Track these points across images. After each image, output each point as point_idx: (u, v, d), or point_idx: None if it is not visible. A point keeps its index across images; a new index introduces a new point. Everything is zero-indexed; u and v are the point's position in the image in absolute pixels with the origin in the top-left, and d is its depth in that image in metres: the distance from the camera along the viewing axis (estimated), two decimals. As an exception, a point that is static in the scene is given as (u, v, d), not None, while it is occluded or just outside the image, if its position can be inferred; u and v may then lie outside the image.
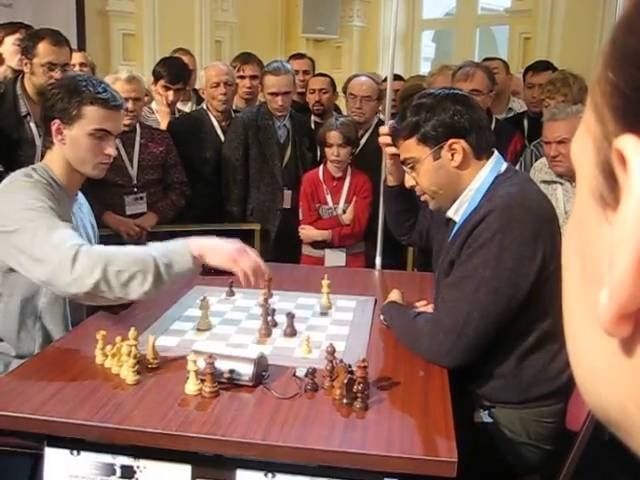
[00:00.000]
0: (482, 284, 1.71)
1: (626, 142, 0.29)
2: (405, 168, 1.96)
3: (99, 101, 2.00)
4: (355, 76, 3.90)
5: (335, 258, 3.36)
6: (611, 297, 0.29)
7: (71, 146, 2.01)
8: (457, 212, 1.90)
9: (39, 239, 1.76)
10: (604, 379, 0.33)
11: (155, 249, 1.79)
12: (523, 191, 1.80)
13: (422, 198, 1.98)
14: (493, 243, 1.70)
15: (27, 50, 2.97)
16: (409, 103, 1.96)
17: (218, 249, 1.85)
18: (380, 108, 3.78)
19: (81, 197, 2.23)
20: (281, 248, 3.45)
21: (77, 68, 3.91)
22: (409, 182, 1.96)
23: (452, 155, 1.84)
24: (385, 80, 3.54)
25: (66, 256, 1.70)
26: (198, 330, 1.98)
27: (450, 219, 1.94)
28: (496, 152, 1.92)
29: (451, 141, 1.83)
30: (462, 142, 1.83)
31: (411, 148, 1.89)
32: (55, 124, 1.99)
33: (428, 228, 2.31)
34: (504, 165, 1.90)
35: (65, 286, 1.72)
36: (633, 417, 0.31)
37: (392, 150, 2.14)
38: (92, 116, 1.99)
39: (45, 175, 2.01)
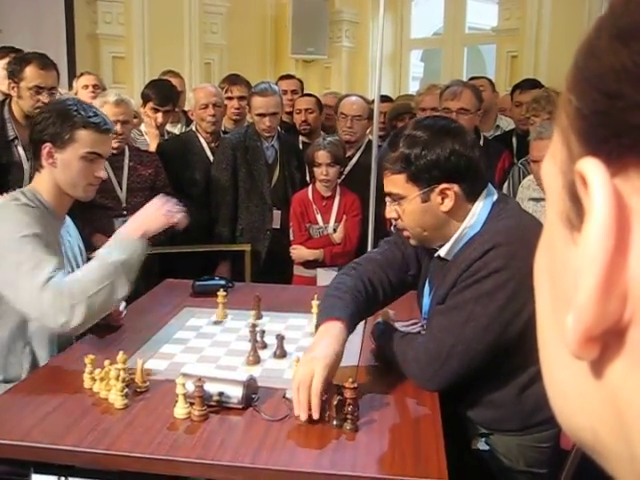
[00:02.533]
0: (471, 319, 1.65)
1: (587, 165, 0.29)
2: (388, 199, 1.80)
3: (91, 125, 2.02)
4: (346, 96, 3.93)
5: (327, 277, 3.35)
6: (576, 320, 0.29)
7: (62, 169, 2.02)
8: (450, 252, 1.78)
9: (23, 279, 1.82)
10: (575, 402, 0.33)
11: (109, 253, 1.92)
12: (521, 223, 1.70)
13: (404, 234, 1.83)
14: (489, 280, 1.63)
15: (14, 74, 2.97)
16: (402, 130, 1.81)
17: (148, 219, 2.01)
18: (368, 131, 3.80)
19: (68, 220, 2.23)
20: (272, 268, 3.45)
21: (90, 89, 4.06)
22: (390, 214, 1.79)
23: (442, 199, 1.69)
24: (373, 102, 3.57)
25: (48, 302, 1.78)
26: (215, 323, 2.23)
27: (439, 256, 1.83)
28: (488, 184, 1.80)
29: (443, 185, 1.68)
30: (455, 187, 1.68)
31: (398, 184, 1.73)
32: (46, 148, 2.00)
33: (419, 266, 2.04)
34: (495, 194, 1.78)
35: (57, 328, 1.83)
36: (604, 440, 0.31)
37: None
38: (84, 140, 2.01)
39: (33, 199, 2.01)
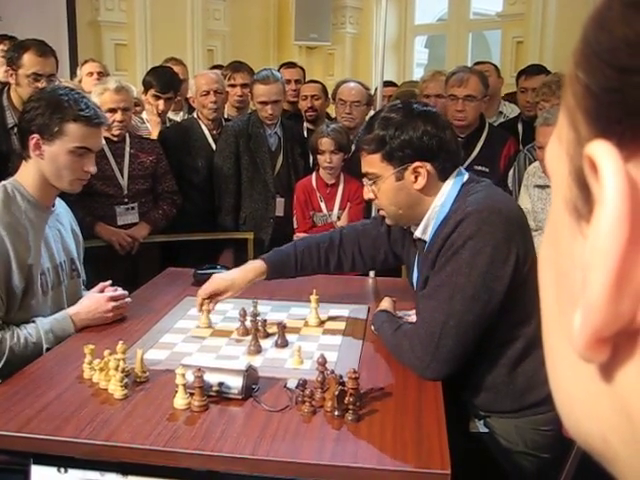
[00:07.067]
0: (456, 291, 1.67)
1: (597, 149, 0.26)
2: (365, 180, 1.89)
3: (81, 119, 1.96)
4: (344, 82, 3.91)
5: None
6: (585, 320, 0.26)
7: (49, 162, 1.97)
8: (425, 231, 1.85)
9: None
10: (583, 406, 0.30)
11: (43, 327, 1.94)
12: (489, 195, 1.77)
13: (380, 213, 1.93)
14: (465, 249, 1.66)
15: (12, 61, 2.94)
16: (378, 114, 1.90)
17: (94, 318, 2.06)
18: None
19: (60, 207, 2.17)
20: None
21: (95, 76, 4.09)
22: (367, 194, 1.89)
23: (415, 178, 1.77)
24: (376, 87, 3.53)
25: None
26: (198, 327, 2.08)
27: (419, 239, 1.89)
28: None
29: (416, 164, 1.76)
30: (428, 166, 1.76)
31: (374, 164, 1.81)
32: (34, 139, 1.94)
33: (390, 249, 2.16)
34: (466, 175, 1.85)
35: None
36: (615, 448, 0.29)
37: None
38: (74, 134, 1.96)
39: (15, 193, 1.96)
